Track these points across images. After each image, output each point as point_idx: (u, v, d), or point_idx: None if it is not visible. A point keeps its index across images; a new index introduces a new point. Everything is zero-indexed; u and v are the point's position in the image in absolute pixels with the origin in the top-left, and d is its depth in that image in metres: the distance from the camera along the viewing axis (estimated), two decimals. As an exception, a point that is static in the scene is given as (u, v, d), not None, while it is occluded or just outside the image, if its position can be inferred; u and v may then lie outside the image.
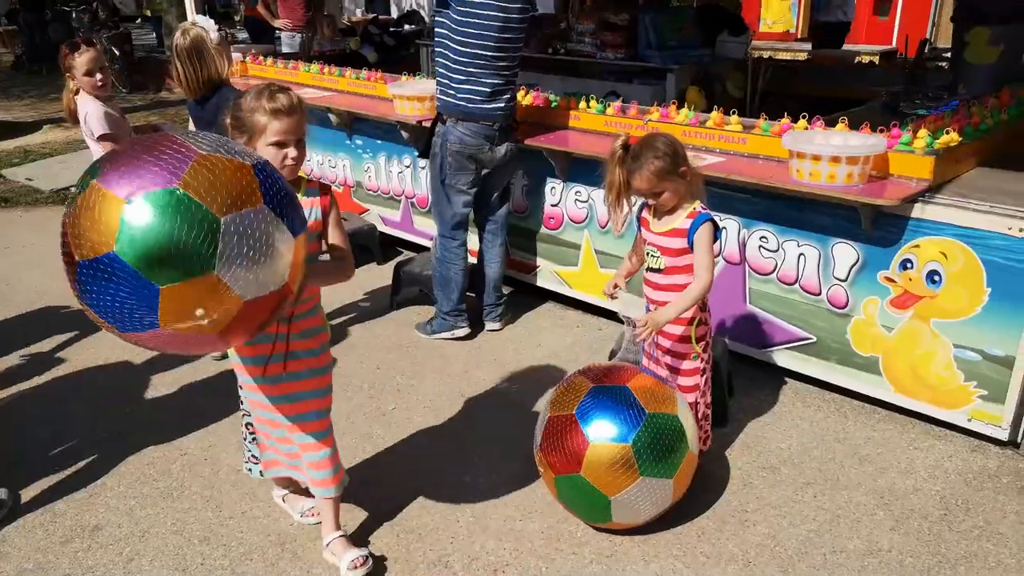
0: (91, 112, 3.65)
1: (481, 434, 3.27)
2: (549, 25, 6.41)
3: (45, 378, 3.76)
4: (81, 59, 3.60)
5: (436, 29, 3.70)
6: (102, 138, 3.65)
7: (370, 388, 3.64)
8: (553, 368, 3.72)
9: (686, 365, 2.78)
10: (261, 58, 6.16)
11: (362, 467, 3.07)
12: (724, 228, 3.55)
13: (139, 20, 20.23)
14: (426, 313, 4.28)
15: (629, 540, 2.64)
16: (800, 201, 3.29)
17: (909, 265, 3.11)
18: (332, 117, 5.17)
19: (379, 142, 5.08)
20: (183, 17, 5.71)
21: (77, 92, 3.71)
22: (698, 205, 2.66)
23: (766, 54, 6.60)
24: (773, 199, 3.38)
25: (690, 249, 2.63)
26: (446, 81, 3.68)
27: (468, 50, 3.57)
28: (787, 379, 3.62)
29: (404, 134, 4.72)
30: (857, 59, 6.69)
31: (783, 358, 3.57)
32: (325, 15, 8.26)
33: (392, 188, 5.12)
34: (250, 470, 2.72)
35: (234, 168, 1.73)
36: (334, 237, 2.42)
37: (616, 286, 2.84)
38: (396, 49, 7.39)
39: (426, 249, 4.92)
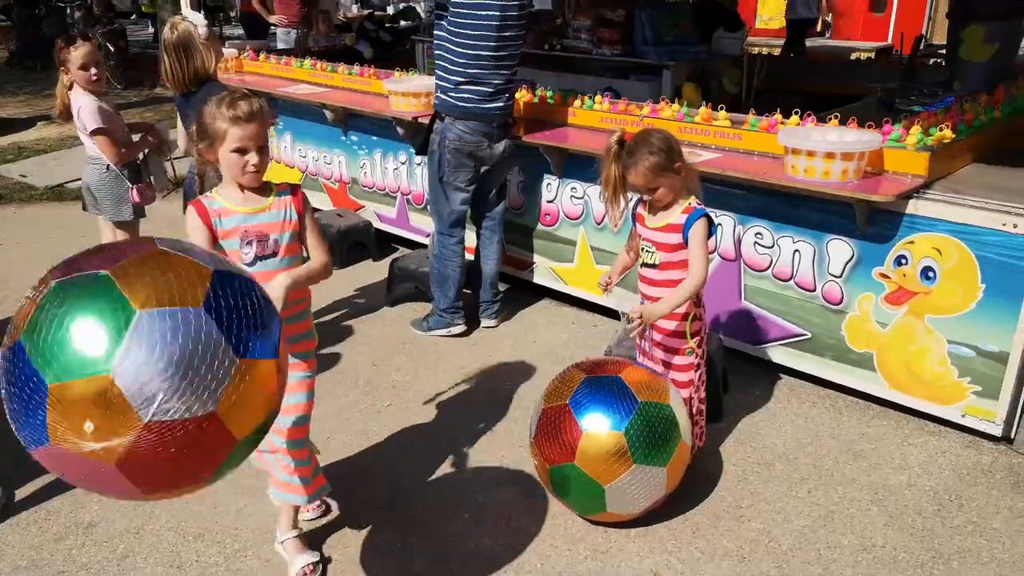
0: (84, 106, 3.64)
1: (477, 431, 3.27)
2: (545, 21, 6.39)
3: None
4: (76, 53, 3.59)
5: (435, 31, 3.68)
6: (95, 132, 3.64)
7: (366, 384, 3.64)
8: (549, 365, 3.72)
9: (680, 360, 2.78)
10: (256, 54, 6.14)
11: (357, 463, 3.07)
12: (719, 224, 3.56)
13: (134, 16, 20.16)
14: (422, 310, 4.28)
15: (624, 536, 2.65)
16: (795, 197, 3.29)
17: (904, 261, 3.12)
18: (327, 113, 5.16)
19: (375, 138, 5.07)
20: (177, 12, 5.68)
21: (71, 87, 3.70)
22: (693, 201, 2.67)
23: (764, 50, 6.60)
24: (768, 195, 3.39)
25: (685, 245, 2.63)
26: (446, 83, 3.66)
27: (468, 51, 3.56)
28: (782, 375, 3.62)
29: (400, 130, 4.71)
30: (853, 55, 6.69)
31: (778, 354, 3.57)
32: (320, 11, 8.24)
33: (388, 184, 5.11)
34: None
35: (186, 266, 1.46)
36: (311, 237, 2.40)
37: (610, 279, 2.84)
38: (392, 45, 7.37)
39: (422, 246, 4.92)
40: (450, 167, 3.78)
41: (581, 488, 2.52)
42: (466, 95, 3.63)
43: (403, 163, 4.95)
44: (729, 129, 3.59)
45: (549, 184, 4.22)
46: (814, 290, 3.38)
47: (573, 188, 4.12)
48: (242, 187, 2.28)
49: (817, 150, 3.08)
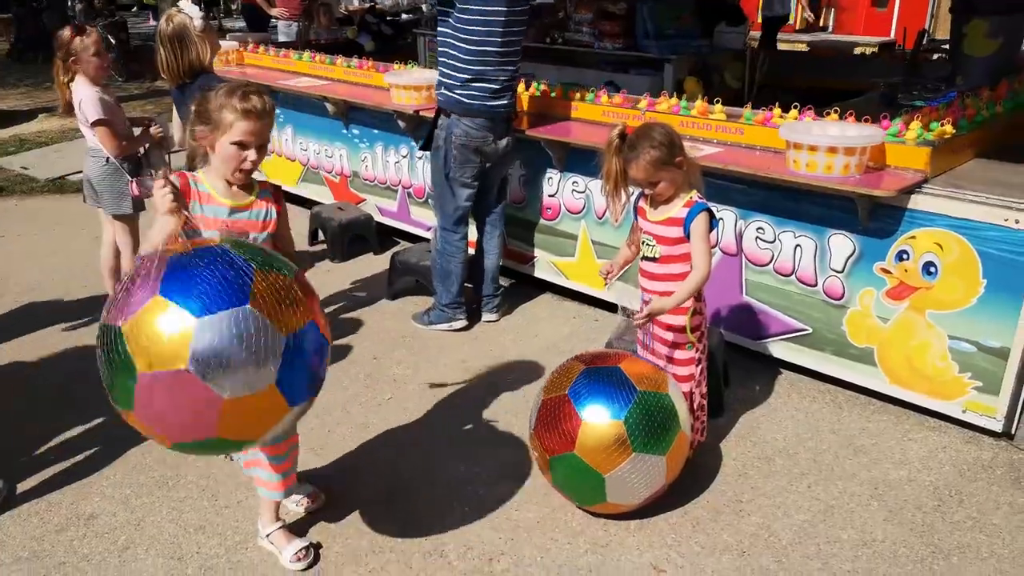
0: (87, 98, 3.63)
1: (477, 424, 3.27)
2: (547, 15, 6.37)
3: (39, 368, 3.75)
4: (89, 40, 3.61)
5: (439, 28, 3.66)
6: (96, 123, 3.64)
7: (366, 378, 3.64)
8: (550, 359, 3.72)
9: (681, 355, 2.78)
10: (257, 47, 6.13)
11: (358, 457, 3.07)
12: (721, 219, 3.55)
13: (135, 8, 20.13)
14: (423, 303, 4.28)
15: (624, 530, 2.65)
16: (797, 192, 3.29)
17: (905, 256, 3.11)
18: (328, 106, 5.15)
19: (376, 131, 5.06)
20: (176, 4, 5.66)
21: (71, 79, 3.69)
22: (695, 195, 2.66)
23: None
24: (770, 190, 3.38)
25: (686, 238, 2.63)
26: (452, 80, 3.64)
27: (475, 48, 3.55)
28: (783, 370, 3.62)
29: (401, 123, 4.71)
30: (856, 50, 6.67)
31: (779, 349, 3.57)
32: (322, 4, 8.21)
33: (389, 178, 5.10)
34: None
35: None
36: (283, 240, 2.36)
37: (611, 268, 2.84)
38: (393, 38, 7.37)
39: (422, 239, 4.92)
40: (456, 163, 3.77)
41: (581, 478, 2.53)
42: (473, 92, 3.62)
43: (404, 156, 4.94)
44: (731, 124, 3.58)
45: (550, 178, 4.21)
46: (815, 285, 3.37)
47: (574, 182, 4.11)
48: (229, 181, 2.24)
49: (819, 145, 3.07)
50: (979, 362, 3.03)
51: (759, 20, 8.93)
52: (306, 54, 5.71)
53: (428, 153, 3.97)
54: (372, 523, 2.71)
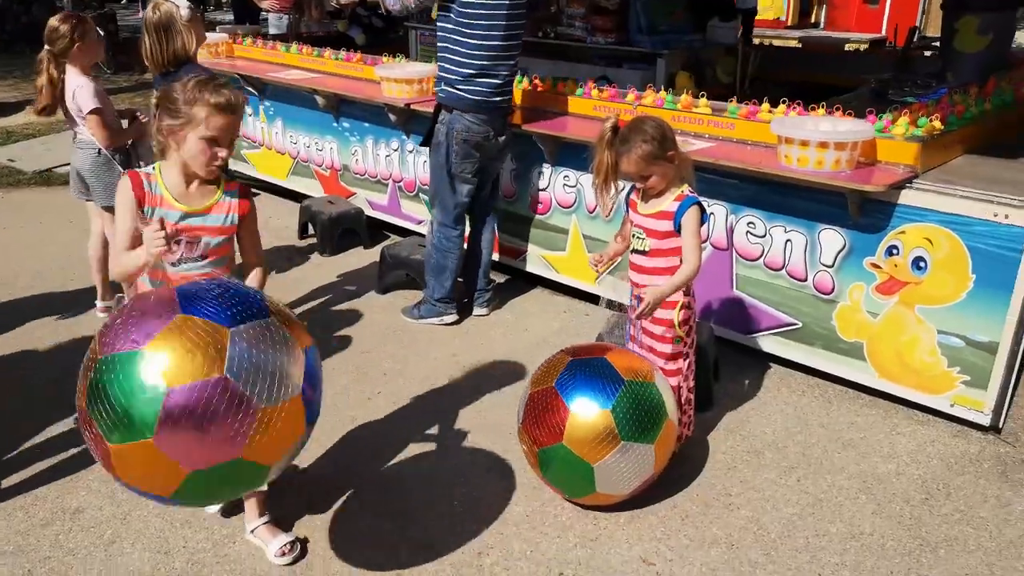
0: (83, 86, 3.59)
1: (466, 418, 3.26)
2: (539, 8, 6.35)
3: (25, 362, 3.72)
4: (91, 25, 3.58)
5: (439, 24, 3.63)
6: (93, 112, 3.60)
7: (356, 372, 3.63)
8: (540, 353, 3.70)
9: (669, 349, 2.78)
10: (246, 39, 6.08)
11: (346, 451, 3.06)
12: (712, 213, 3.55)
13: (123, 0, 19.96)
14: (413, 297, 4.27)
15: (613, 523, 2.65)
16: (788, 187, 3.29)
17: (895, 251, 3.12)
18: (319, 99, 5.12)
19: (367, 125, 5.04)
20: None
21: (62, 69, 3.65)
22: (686, 189, 2.66)
23: (759, 40, 6.58)
24: (761, 185, 3.38)
25: (676, 232, 2.63)
26: (453, 76, 3.61)
27: (477, 43, 3.53)
28: (772, 364, 3.63)
29: (392, 117, 4.68)
30: (847, 46, 6.68)
31: (768, 343, 3.58)
32: (313, -4, 8.15)
33: (379, 172, 5.08)
34: None
35: (207, 332, 1.71)
36: (248, 249, 2.28)
37: (600, 258, 2.83)
38: (385, 31, 7.31)
39: (413, 233, 4.90)
40: (458, 158, 3.75)
41: (570, 469, 2.52)
42: (476, 87, 3.60)
43: (395, 150, 4.92)
44: (722, 118, 3.58)
45: (542, 172, 4.20)
46: (805, 280, 3.38)
47: (566, 176, 4.10)
48: (190, 177, 2.15)
49: (810, 140, 3.07)
50: (968, 357, 3.04)
51: (761, 15, 8.91)
52: (294, 46, 5.68)
53: (426, 149, 3.94)
54: (360, 517, 2.70)
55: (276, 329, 1.79)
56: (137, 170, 2.18)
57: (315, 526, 2.65)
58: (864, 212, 3.15)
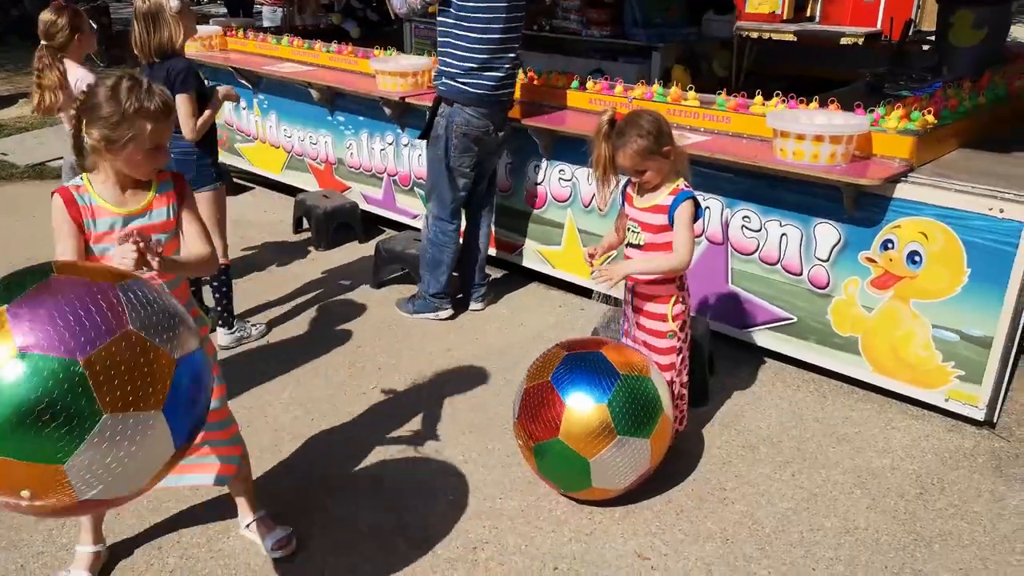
0: (83, 78, 3.57)
1: (461, 413, 3.26)
2: (534, 1, 6.33)
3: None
4: (84, 16, 3.57)
5: (439, 18, 3.60)
6: None
7: (351, 367, 3.62)
8: (535, 347, 3.69)
9: (662, 343, 2.77)
10: (239, 32, 6.05)
11: (342, 445, 3.05)
12: (707, 208, 3.54)
13: (117, -7, 19.80)
14: (408, 292, 4.26)
15: (608, 518, 2.65)
16: (783, 181, 3.28)
17: (890, 245, 3.12)
18: (313, 93, 5.10)
19: (361, 118, 5.02)
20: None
21: (61, 61, 3.62)
22: (681, 183, 2.65)
23: (753, 34, 6.57)
24: (756, 179, 3.37)
25: (671, 226, 2.62)
26: (454, 70, 3.59)
27: (478, 36, 3.51)
28: (767, 359, 3.63)
29: (387, 111, 4.66)
30: (843, 40, 6.67)
31: (764, 338, 3.58)
32: (307, -11, 8.11)
33: (374, 166, 5.06)
34: None
35: (155, 363, 1.51)
36: (191, 233, 2.17)
37: (594, 252, 2.83)
38: (379, 25, 7.28)
39: (408, 227, 4.89)
40: (457, 152, 3.73)
41: (566, 464, 2.52)
42: (477, 81, 3.58)
43: (390, 144, 4.90)
44: (717, 112, 3.57)
45: (537, 166, 4.19)
46: (800, 274, 3.38)
47: (561, 170, 4.09)
48: (124, 183, 2.05)
49: (806, 133, 3.07)
50: (962, 351, 3.04)
51: (756, 8, 8.88)
52: (284, 39, 5.64)
53: (422, 143, 3.92)
54: (356, 512, 2.69)
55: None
56: (66, 185, 2.05)
57: (310, 521, 2.65)
58: (859, 206, 3.15)
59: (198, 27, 5.44)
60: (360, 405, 3.31)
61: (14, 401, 1.39)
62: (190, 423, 1.64)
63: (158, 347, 1.53)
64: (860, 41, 6.70)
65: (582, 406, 2.47)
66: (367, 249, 4.84)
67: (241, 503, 2.54)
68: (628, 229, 2.75)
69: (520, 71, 4.23)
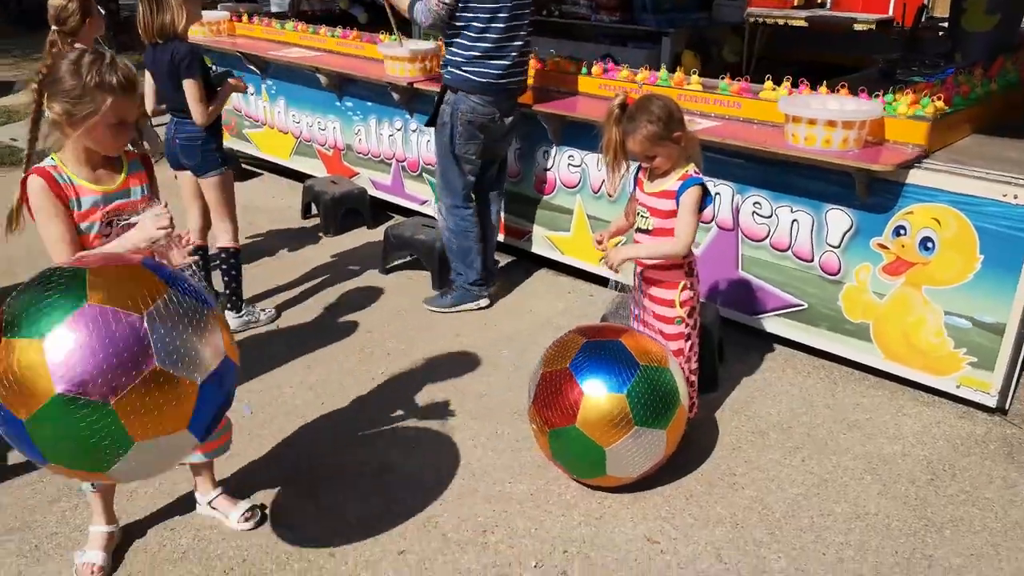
0: None
1: (470, 398, 3.26)
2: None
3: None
4: (93, 1, 3.57)
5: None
6: None
7: (360, 353, 3.62)
8: (544, 333, 3.71)
9: (670, 329, 2.77)
10: (247, 17, 6.03)
11: (351, 430, 3.06)
12: (717, 194, 3.53)
13: (125, -21, 19.77)
14: (417, 277, 4.26)
15: (618, 502, 2.65)
16: (795, 166, 3.26)
17: (902, 232, 3.10)
18: (321, 78, 5.08)
19: (370, 104, 5.00)
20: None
21: (72, 46, 3.62)
22: (691, 168, 2.64)
23: (764, 20, 6.52)
24: (768, 164, 3.35)
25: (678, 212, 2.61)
26: (459, 58, 3.57)
27: (483, 24, 3.48)
28: (778, 346, 3.62)
29: (395, 96, 4.65)
30: (855, 26, 6.62)
31: (774, 324, 3.57)
32: (315, -26, 8.07)
33: (383, 151, 5.05)
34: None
35: (180, 392, 1.69)
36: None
37: (602, 237, 2.83)
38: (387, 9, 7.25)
39: (416, 213, 4.88)
40: (462, 139, 3.71)
41: (582, 451, 2.52)
42: (483, 69, 3.56)
43: (398, 129, 4.89)
44: (729, 97, 3.55)
45: (546, 152, 4.17)
46: (812, 260, 3.36)
47: (571, 156, 4.08)
48: (93, 160, 2.05)
49: (818, 118, 3.04)
50: (974, 338, 3.03)
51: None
52: (289, 24, 5.62)
53: (430, 129, 3.90)
54: (366, 496, 2.70)
55: (209, 316, 1.80)
56: (40, 166, 2.02)
57: (320, 504, 2.66)
58: (872, 192, 3.13)
59: (205, 12, 5.44)
60: (370, 390, 3.32)
61: (56, 433, 1.63)
62: (212, 422, 1.84)
63: (183, 378, 1.69)
64: (873, 27, 6.64)
65: (601, 395, 2.46)
66: (376, 235, 4.84)
67: (202, 480, 2.57)
68: (638, 214, 2.74)
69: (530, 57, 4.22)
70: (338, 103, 5.18)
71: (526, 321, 3.90)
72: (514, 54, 3.60)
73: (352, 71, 4.83)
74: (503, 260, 4.50)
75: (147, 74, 3.67)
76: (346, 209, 5.04)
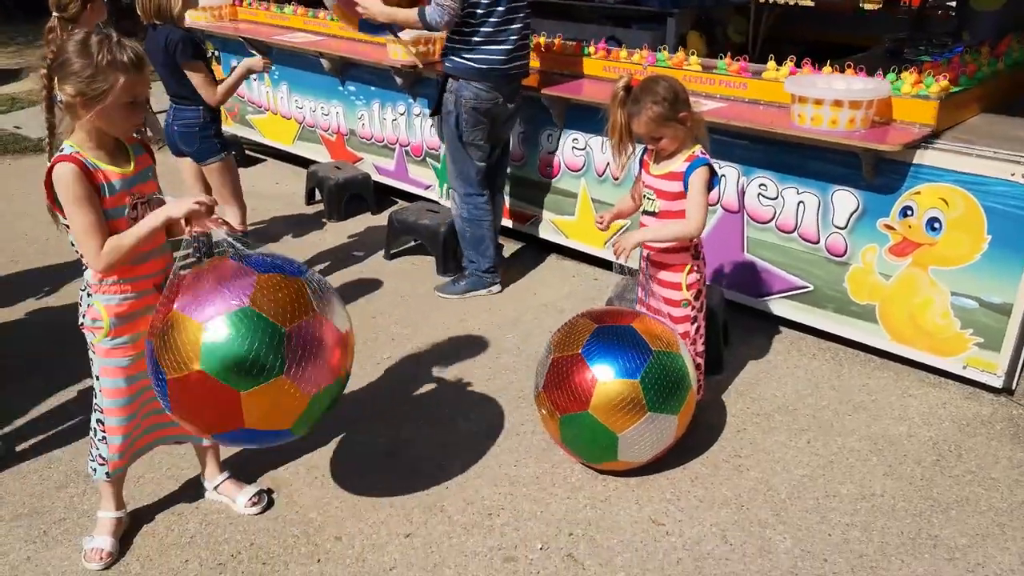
0: None
1: (475, 383, 3.27)
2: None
3: (37, 329, 3.73)
4: None
5: None
6: None
7: (365, 337, 3.62)
8: (549, 318, 3.71)
9: (676, 312, 2.76)
10: (247, 1, 6.00)
11: (356, 414, 3.06)
12: (723, 175, 3.50)
13: (127, -35, 19.69)
14: (421, 263, 4.25)
15: (623, 485, 2.66)
16: (801, 147, 3.24)
17: (909, 212, 3.08)
18: (324, 63, 5.06)
19: (373, 89, 4.98)
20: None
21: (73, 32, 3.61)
22: (697, 149, 2.62)
23: None
24: (773, 145, 3.33)
25: (685, 193, 2.59)
26: (460, 45, 3.55)
27: (483, 11, 3.45)
28: (783, 328, 3.61)
29: (398, 80, 4.63)
30: (862, 4, 6.55)
31: (780, 307, 3.55)
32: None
33: (386, 136, 5.04)
34: (94, 470, 2.39)
35: (290, 284, 2.02)
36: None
37: (602, 218, 2.82)
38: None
39: (420, 198, 4.87)
40: (468, 126, 3.69)
41: (594, 437, 2.52)
42: (483, 55, 3.53)
43: (402, 114, 4.87)
44: (734, 78, 3.52)
45: (550, 135, 4.15)
46: (818, 242, 3.34)
47: (575, 139, 4.05)
48: (105, 143, 2.03)
49: (824, 98, 3.02)
50: (981, 318, 3.01)
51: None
52: (288, 7, 5.59)
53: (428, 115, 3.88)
54: (371, 479, 2.71)
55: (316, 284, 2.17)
56: (68, 153, 1.99)
57: (327, 486, 2.67)
58: (878, 172, 3.10)
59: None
60: (375, 375, 3.33)
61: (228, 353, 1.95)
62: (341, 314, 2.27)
63: (286, 277, 2.08)
64: (879, 6, 6.57)
65: (614, 381, 2.45)
66: (380, 220, 4.83)
67: (210, 464, 2.59)
68: (644, 196, 2.73)
69: (531, 40, 4.19)
70: (341, 88, 5.16)
71: (531, 305, 3.90)
72: (514, 38, 3.57)
73: (355, 55, 4.81)
74: (507, 244, 4.48)
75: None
76: (350, 195, 5.03)
